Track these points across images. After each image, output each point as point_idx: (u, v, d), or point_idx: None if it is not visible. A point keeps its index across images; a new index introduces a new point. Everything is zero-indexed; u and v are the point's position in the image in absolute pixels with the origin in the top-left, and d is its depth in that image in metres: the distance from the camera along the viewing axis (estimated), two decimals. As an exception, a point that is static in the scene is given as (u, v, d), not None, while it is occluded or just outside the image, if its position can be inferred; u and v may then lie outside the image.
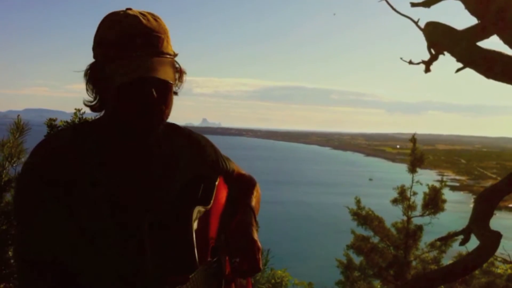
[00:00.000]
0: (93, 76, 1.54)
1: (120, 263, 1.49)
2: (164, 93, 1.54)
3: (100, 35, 1.52)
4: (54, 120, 3.70)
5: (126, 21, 1.49)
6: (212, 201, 1.76)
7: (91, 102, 1.59)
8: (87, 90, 1.57)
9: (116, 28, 1.48)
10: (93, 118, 1.68)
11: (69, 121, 3.70)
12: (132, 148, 1.60)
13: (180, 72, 1.64)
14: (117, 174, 1.55)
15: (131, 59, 1.46)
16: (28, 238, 1.44)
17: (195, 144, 1.84)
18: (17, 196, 1.50)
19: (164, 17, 1.57)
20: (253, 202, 1.89)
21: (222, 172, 1.91)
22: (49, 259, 1.44)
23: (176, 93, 1.62)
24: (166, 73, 1.50)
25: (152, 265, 1.53)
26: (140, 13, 1.53)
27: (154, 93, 1.49)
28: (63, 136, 1.57)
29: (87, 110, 1.62)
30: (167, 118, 1.60)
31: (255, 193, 1.96)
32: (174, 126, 1.78)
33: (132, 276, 1.50)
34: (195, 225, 1.64)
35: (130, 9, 1.55)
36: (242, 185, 1.98)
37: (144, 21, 1.50)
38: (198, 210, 1.67)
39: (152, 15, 1.55)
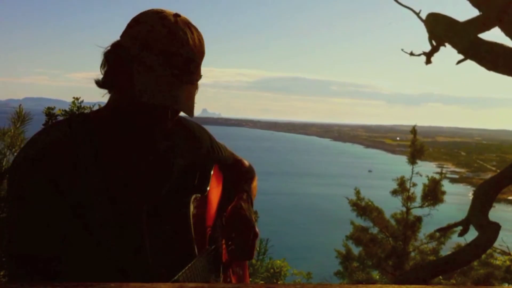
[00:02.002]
0: (116, 61, 1.51)
1: (118, 253, 1.49)
2: (177, 113, 1.57)
3: (140, 33, 1.47)
4: (53, 109, 3.69)
5: (173, 33, 1.45)
6: (208, 189, 1.76)
7: (102, 80, 1.56)
8: (101, 65, 1.53)
9: (164, 39, 1.44)
10: (91, 107, 1.66)
11: (67, 109, 3.69)
12: (129, 139, 1.59)
13: (197, 87, 1.62)
14: (114, 166, 1.55)
15: (166, 80, 1.44)
16: (20, 232, 1.42)
17: (191, 133, 1.84)
18: (11, 189, 1.49)
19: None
20: (250, 189, 1.90)
21: (217, 161, 1.91)
22: (40, 254, 1.41)
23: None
24: (190, 106, 1.50)
25: (151, 254, 1.54)
26: (189, 27, 1.49)
27: (170, 116, 1.52)
28: (60, 128, 1.55)
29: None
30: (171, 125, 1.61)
31: (252, 180, 1.96)
32: None
33: (131, 266, 1.50)
34: (192, 213, 1.64)
35: (179, 16, 1.50)
36: (239, 172, 1.99)
37: (191, 41, 1.46)
38: (195, 198, 1.68)
39: (198, 33, 1.51)
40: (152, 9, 1.52)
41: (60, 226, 1.43)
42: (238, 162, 2.02)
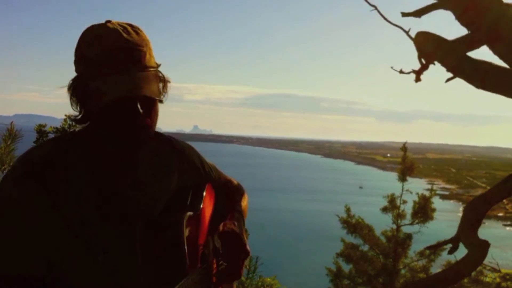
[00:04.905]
0: (76, 91, 1.51)
1: (111, 269, 1.49)
2: (149, 108, 1.52)
3: (80, 52, 1.49)
4: (44, 126, 3.67)
5: (106, 36, 1.46)
6: (201, 207, 1.76)
7: (76, 116, 1.55)
8: (71, 104, 1.53)
9: (96, 44, 1.45)
10: (80, 127, 1.66)
11: (59, 127, 3.67)
12: (118, 158, 1.59)
13: (164, 81, 1.61)
14: (106, 183, 1.55)
15: (114, 77, 1.44)
16: (5, 251, 1.40)
17: (181, 153, 1.84)
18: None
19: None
20: (242, 208, 1.90)
21: (208, 180, 1.91)
22: (24, 275, 1.40)
23: (161, 101, 1.59)
24: (150, 89, 1.48)
25: (143, 271, 1.54)
26: (120, 25, 1.49)
27: (140, 109, 1.48)
28: (48, 145, 1.55)
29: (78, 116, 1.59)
30: (153, 130, 1.59)
31: (243, 199, 1.97)
32: (158, 135, 1.77)
33: (123, 282, 1.50)
34: (185, 232, 1.64)
35: (110, 21, 1.51)
36: (230, 192, 1.99)
37: (124, 35, 1.47)
38: (188, 216, 1.68)
39: (132, 26, 1.51)
40: (81, 33, 1.52)
41: (49, 244, 1.42)
42: (228, 182, 2.03)
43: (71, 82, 1.52)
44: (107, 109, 1.45)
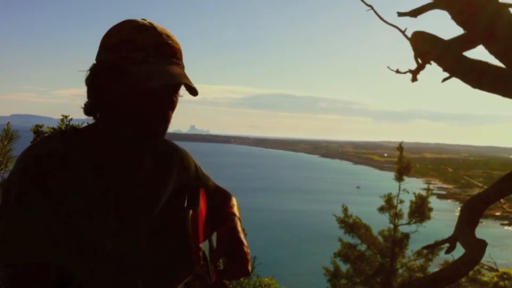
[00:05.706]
0: (102, 76, 1.53)
1: (116, 268, 1.49)
2: (173, 104, 1.58)
3: (123, 38, 1.52)
4: (41, 127, 3.66)
5: (153, 29, 1.53)
6: (199, 206, 1.78)
7: (90, 104, 1.58)
8: (89, 91, 1.56)
9: (147, 33, 1.51)
10: (80, 125, 1.67)
11: (56, 127, 3.66)
12: (122, 154, 1.60)
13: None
14: (106, 181, 1.55)
15: (159, 66, 1.50)
16: (12, 242, 1.41)
17: (177, 153, 1.86)
18: (6, 201, 1.48)
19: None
20: (236, 211, 1.93)
21: (202, 183, 1.94)
22: (44, 262, 1.41)
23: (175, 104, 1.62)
24: (191, 83, 1.55)
25: (149, 268, 1.55)
26: (157, 25, 1.57)
27: (174, 98, 1.55)
28: (53, 140, 1.56)
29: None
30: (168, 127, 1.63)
31: (235, 203, 2.00)
32: None
33: (130, 279, 1.51)
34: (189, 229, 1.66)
35: (145, 20, 1.57)
36: (222, 197, 2.02)
37: (167, 32, 1.55)
38: (191, 214, 1.69)
39: (167, 30, 1.59)
40: (119, 22, 1.57)
41: (54, 236, 1.42)
42: (218, 187, 2.06)
43: (94, 67, 1.55)
44: (147, 95, 1.50)
